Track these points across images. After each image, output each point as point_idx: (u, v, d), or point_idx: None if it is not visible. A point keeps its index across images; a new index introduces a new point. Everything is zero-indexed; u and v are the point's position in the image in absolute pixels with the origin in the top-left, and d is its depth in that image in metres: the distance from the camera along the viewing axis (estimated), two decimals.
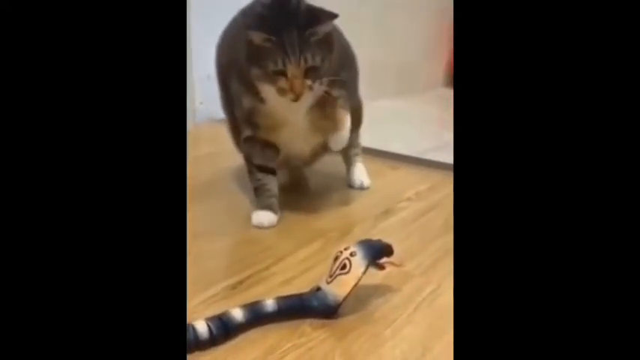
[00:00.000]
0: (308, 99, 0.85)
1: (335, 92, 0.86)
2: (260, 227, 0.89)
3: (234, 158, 1.14)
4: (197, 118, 1.47)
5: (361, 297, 0.67)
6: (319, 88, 0.83)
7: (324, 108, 0.87)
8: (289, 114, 0.87)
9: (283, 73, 0.79)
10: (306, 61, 0.78)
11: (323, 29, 0.80)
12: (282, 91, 0.80)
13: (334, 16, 0.81)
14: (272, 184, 0.92)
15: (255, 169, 0.92)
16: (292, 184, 1.09)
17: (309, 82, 0.80)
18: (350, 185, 1.07)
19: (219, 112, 1.52)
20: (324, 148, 0.96)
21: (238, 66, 0.85)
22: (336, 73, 0.85)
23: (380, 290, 0.70)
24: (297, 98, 0.80)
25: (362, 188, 1.06)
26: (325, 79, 0.83)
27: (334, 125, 0.88)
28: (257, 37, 0.79)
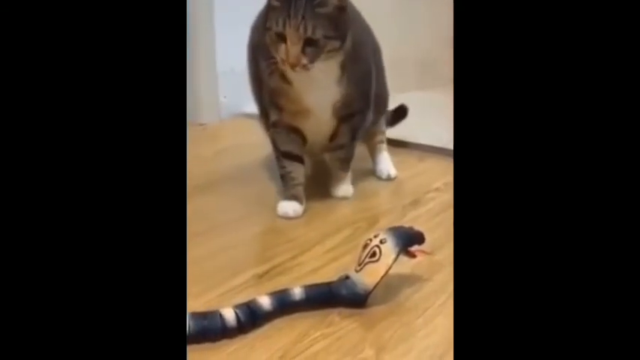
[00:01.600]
0: (331, 91, 0.85)
1: (340, 152, 0.94)
2: (285, 217, 0.88)
3: (259, 150, 1.13)
4: (221, 112, 1.47)
5: (391, 286, 0.66)
6: (342, 90, 0.86)
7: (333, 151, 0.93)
8: (314, 103, 0.87)
9: (283, 38, 0.78)
10: (305, 29, 0.77)
11: (332, 1, 0.79)
12: (282, 62, 0.79)
13: None
14: (298, 172, 0.91)
15: (282, 156, 0.92)
16: (318, 173, 1.07)
17: (304, 60, 0.78)
18: (377, 176, 1.05)
19: (243, 106, 1.53)
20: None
21: (265, 45, 0.85)
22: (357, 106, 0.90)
23: (410, 279, 0.69)
24: (293, 67, 0.79)
25: (389, 179, 1.05)
26: (350, 88, 0.86)
27: (334, 181, 0.96)
28: None
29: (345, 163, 0.96)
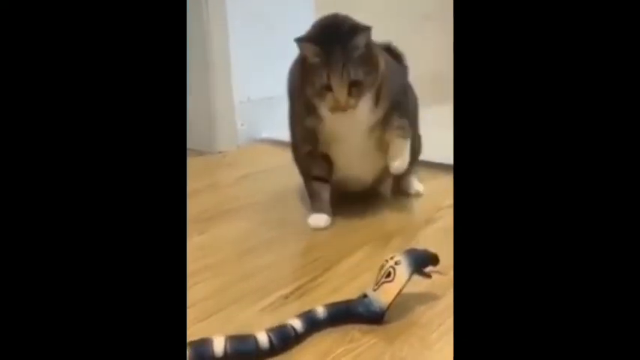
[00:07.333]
0: (365, 118, 0.91)
1: (395, 122, 0.93)
2: (317, 228, 0.96)
3: (278, 175, 1.19)
4: (239, 140, 1.54)
5: (408, 304, 0.71)
6: (378, 111, 0.89)
7: (384, 132, 0.93)
8: (346, 131, 0.93)
9: (329, 88, 0.84)
10: (348, 74, 0.83)
11: (361, 42, 0.84)
12: (332, 109, 0.86)
13: (367, 28, 0.86)
14: (325, 190, 0.99)
15: (312, 179, 0.99)
16: (334, 196, 1.13)
17: (352, 102, 0.84)
18: (404, 191, 1.09)
19: (260, 133, 1.60)
20: (387, 173, 1.01)
21: (298, 88, 0.92)
22: (395, 100, 0.91)
23: (425, 297, 0.73)
24: (343, 110, 0.85)
25: (417, 195, 1.09)
26: (385, 104, 0.89)
27: (392, 153, 0.94)
28: (309, 50, 0.84)
29: (403, 130, 0.94)
